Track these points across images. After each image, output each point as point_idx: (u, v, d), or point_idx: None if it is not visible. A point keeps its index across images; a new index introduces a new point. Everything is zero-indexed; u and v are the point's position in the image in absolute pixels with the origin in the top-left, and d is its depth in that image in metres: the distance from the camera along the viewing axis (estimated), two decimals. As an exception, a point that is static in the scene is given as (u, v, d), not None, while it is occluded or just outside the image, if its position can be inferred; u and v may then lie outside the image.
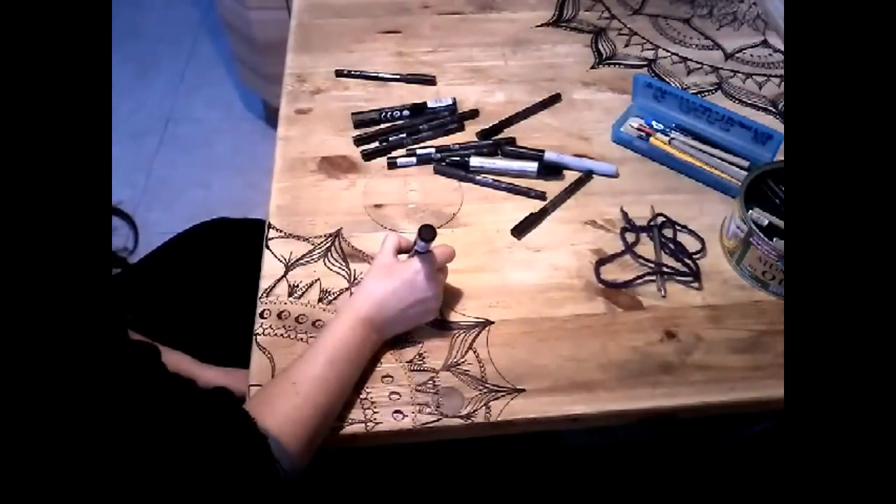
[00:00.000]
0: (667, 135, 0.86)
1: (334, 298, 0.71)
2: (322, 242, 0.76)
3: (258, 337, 0.68)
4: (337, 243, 0.76)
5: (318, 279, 0.73)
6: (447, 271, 0.69)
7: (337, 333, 0.61)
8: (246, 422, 0.54)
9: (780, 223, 0.71)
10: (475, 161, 0.83)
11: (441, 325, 0.69)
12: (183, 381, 0.56)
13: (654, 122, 0.87)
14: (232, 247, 0.90)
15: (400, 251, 0.67)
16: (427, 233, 0.61)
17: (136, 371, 0.49)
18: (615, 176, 0.84)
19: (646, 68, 0.99)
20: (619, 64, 0.99)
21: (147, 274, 0.89)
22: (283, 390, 0.58)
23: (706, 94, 0.95)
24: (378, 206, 0.80)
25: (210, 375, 0.77)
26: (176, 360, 0.77)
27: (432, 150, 0.85)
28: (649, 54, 1.01)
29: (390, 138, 0.87)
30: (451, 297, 0.71)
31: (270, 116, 1.87)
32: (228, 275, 0.87)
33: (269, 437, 0.54)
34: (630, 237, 0.77)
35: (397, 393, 0.64)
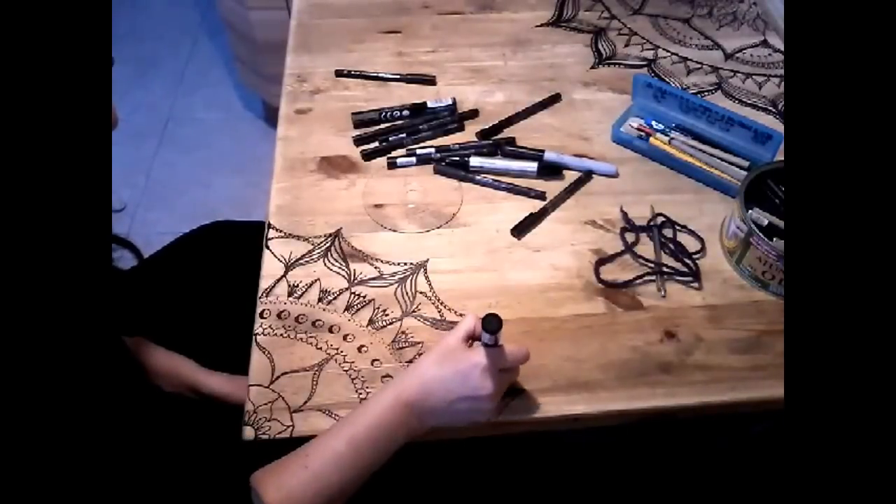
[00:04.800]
0: (667, 135, 0.86)
1: (334, 298, 0.71)
2: (322, 242, 0.76)
3: (258, 337, 0.68)
4: (337, 243, 0.76)
5: (318, 279, 0.73)
6: (517, 372, 0.62)
7: (371, 410, 0.57)
8: (241, 491, 0.52)
9: (780, 223, 0.71)
10: (475, 161, 0.83)
11: (440, 325, 0.69)
12: (191, 438, 0.56)
13: (653, 122, 0.87)
14: (233, 250, 0.90)
15: (475, 337, 0.60)
16: (490, 324, 0.55)
17: (141, 418, 0.48)
18: (615, 176, 0.84)
19: (646, 68, 0.99)
20: (619, 64, 0.99)
21: (149, 276, 0.89)
22: (296, 463, 0.55)
23: (706, 94, 0.95)
24: (378, 206, 0.80)
25: (213, 382, 0.77)
26: (179, 365, 0.77)
27: (432, 150, 0.85)
28: (649, 54, 1.01)
29: (390, 138, 0.87)
30: (450, 297, 0.71)
31: (270, 116, 1.87)
32: (230, 278, 0.87)
33: None
34: (630, 237, 0.77)
35: (397, 393, 0.64)
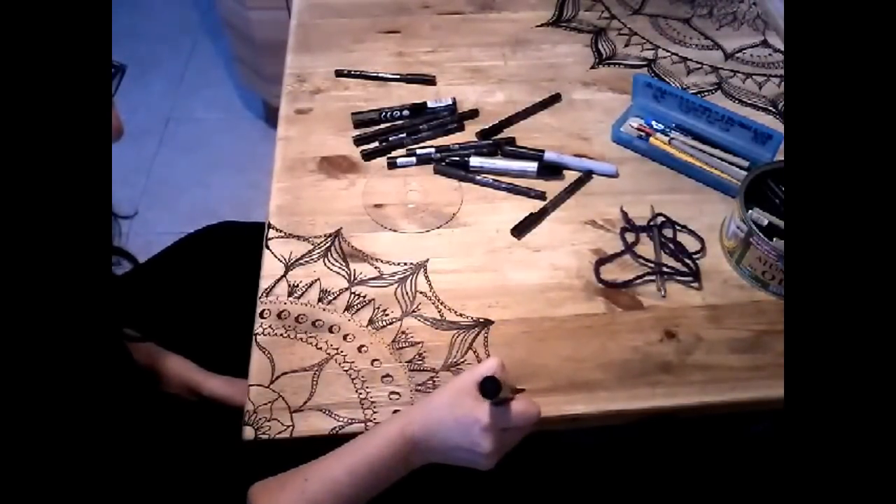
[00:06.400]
0: (667, 135, 0.86)
1: (334, 298, 0.71)
2: (322, 242, 0.76)
3: (258, 337, 0.68)
4: (337, 243, 0.76)
5: (318, 279, 0.73)
6: (526, 431, 0.58)
7: (374, 441, 0.56)
8: (240, 493, 0.53)
9: (780, 223, 0.71)
10: (475, 161, 0.83)
11: (440, 325, 0.69)
12: (190, 440, 0.55)
13: (653, 122, 0.87)
14: (238, 251, 0.90)
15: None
16: (486, 389, 0.52)
17: (141, 419, 0.48)
18: (615, 176, 0.84)
19: (646, 68, 0.99)
20: (619, 64, 0.99)
21: (153, 276, 0.88)
22: (293, 484, 0.55)
23: (706, 94, 0.95)
24: (378, 205, 0.80)
25: (213, 384, 0.77)
26: (179, 367, 0.77)
27: (432, 150, 0.85)
28: (649, 54, 1.01)
29: (390, 138, 0.87)
30: (450, 297, 0.71)
31: (270, 116, 1.87)
32: (235, 279, 0.87)
33: None
34: (630, 237, 0.77)
35: (397, 393, 0.64)
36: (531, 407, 0.56)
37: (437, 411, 0.56)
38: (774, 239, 0.69)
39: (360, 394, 0.64)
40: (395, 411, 0.63)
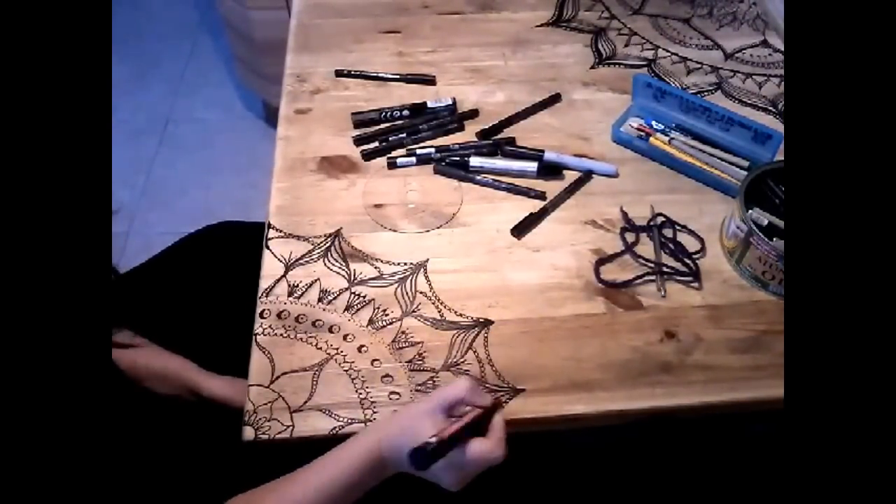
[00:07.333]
0: (667, 135, 0.86)
1: (334, 298, 0.71)
2: (322, 242, 0.76)
3: (258, 336, 0.68)
4: (337, 243, 0.76)
5: (318, 279, 0.73)
6: (491, 465, 0.54)
7: (345, 458, 0.55)
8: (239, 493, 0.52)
9: (780, 223, 0.71)
10: (475, 161, 0.83)
11: (440, 325, 0.69)
12: (189, 441, 0.55)
13: (653, 122, 0.87)
14: (238, 251, 0.90)
15: (466, 402, 0.56)
16: (418, 459, 0.49)
17: (138, 422, 0.48)
18: (615, 176, 0.84)
19: (646, 68, 0.99)
20: (619, 64, 0.99)
21: (153, 276, 0.88)
22: (266, 502, 0.54)
23: (706, 94, 0.95)
24: (378, 206, 0.80)
25: (213, 385, 0.77)
26: (179, 368, 0.77)
27: (432, 150, 0.85)
28: (649, 54, 1.01)
29: (390, 138, 0.87)
30: (450, 297, 0.71)
31: (270, 116, 1.87)
32: (234, 279, 0.87)
33: None
34: (630, 237, 0.77)
35: (397, 393, 0.64)
36: (495, 450, 0.53)
37: (397, 439, 0.54)
38: (774, 239, 0.69)
39: (360, 394, 0.64)
40: (396, 412, 0.63)
